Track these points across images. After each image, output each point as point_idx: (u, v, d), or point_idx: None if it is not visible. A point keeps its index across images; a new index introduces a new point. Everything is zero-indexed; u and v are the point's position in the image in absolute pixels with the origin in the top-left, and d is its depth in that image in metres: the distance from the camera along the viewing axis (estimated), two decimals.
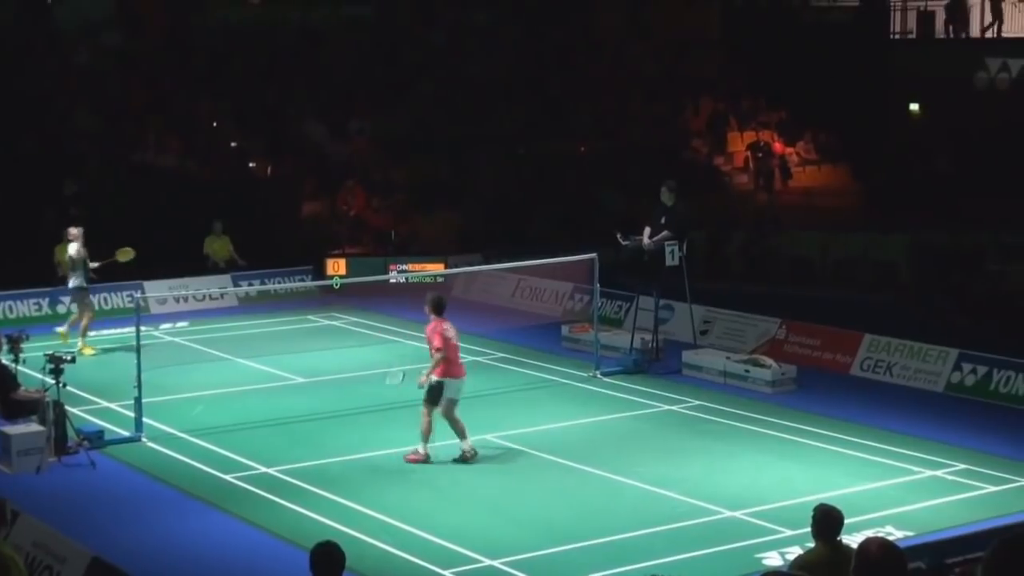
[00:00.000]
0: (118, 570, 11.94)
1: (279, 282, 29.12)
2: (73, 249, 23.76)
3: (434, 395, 17.10)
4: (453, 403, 17.19)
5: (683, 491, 15.95)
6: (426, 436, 17.21)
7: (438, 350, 17.00)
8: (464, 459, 17.23)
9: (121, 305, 27.46)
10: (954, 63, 37.26)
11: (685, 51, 41.65)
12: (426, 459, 17.19)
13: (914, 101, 39.55)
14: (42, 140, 31.38)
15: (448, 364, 17.08)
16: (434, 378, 17.07)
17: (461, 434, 17.30)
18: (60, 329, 24.17)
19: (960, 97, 36.51)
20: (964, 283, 27.69)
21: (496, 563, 13.66)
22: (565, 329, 24.85)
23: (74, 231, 23.88)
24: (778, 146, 39.31)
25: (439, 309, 17.32)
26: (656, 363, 22.59)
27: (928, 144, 37.13)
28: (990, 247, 29.04)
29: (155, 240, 28.56)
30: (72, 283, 24.00)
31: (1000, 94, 36.50)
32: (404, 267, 29.38)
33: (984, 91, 36.76)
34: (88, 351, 23.62)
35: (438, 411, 17.15)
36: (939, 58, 37.89)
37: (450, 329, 17.22)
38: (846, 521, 10.52)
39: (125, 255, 23.84)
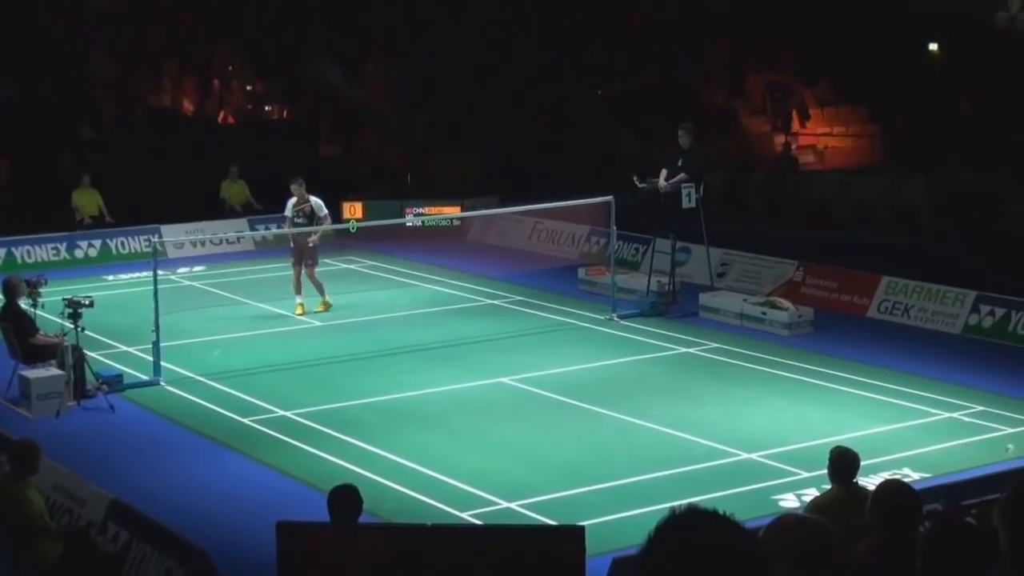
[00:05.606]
0: (137, 512, 12.01)
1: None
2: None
3: None
4: None
5: (700, 433, 15.98)
6: None
7: None
8: None
9: (138, 249, 27.51)
10: (973, 1, 36.91)
11: None
12: None
13: (933, 41, 39.24)
14: (58, 85, 31.36)
15: None
16: None
17: None
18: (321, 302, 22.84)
19: (980, 36, 36.20)
20: (983, 225, 27.54)
21: (513, 505, 13.71)
22: (581, 272, 24.82)
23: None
24: (796, 87, 39.07)
25: None
26: (673, 306, 22.56)
27: (947, 85, 36.86)
28: (1009, 189, 28.84)
29: (171, 184, 28.63)
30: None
31: (1021, 33, 36.15)
32: (420, 210, 29.33)
33: (1004, 30, 36.43)
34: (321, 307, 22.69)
35: None
36: None
37: None
38: (862, 463, 10.56)
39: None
